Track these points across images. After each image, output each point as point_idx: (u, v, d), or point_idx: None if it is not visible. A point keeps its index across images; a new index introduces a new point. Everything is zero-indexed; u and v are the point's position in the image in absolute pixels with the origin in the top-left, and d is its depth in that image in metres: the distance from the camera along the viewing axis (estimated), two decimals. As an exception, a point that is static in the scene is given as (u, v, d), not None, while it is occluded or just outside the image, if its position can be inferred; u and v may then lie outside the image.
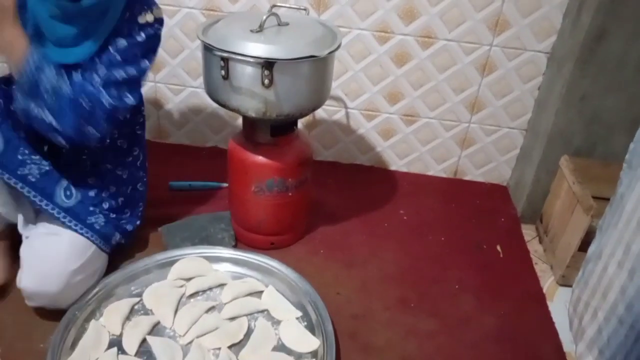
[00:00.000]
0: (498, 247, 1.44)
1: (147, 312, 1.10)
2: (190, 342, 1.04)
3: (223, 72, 1.09)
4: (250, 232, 1.34)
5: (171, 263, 1.20)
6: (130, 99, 1.05)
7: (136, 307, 1.11)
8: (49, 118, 0.96)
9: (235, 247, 1.30)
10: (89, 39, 1.02)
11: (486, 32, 1.46)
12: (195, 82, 1.64)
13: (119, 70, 1.03)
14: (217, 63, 1.09)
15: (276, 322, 1.10)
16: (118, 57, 1.03)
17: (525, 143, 1.61)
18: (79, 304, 1.06)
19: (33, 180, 1.01)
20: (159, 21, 1.08)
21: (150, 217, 1.35)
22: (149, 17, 1.05)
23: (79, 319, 1.05)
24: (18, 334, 1.05)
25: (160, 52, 1.58)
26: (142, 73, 1.07)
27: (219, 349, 1.03)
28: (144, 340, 1.04)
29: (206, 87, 1.20)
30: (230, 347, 1.04)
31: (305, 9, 1.28)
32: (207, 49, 1.11)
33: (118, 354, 1.01)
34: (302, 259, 1.32)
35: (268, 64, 1.06)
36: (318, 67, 1.14)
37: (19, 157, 0.99)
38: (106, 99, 1.01)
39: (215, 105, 1.22)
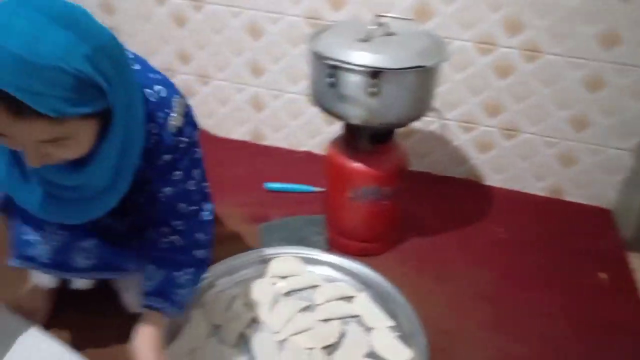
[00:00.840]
0: (601, 275, 1.36)
1: (245, 305, 1.14)
2: (285, 340, 1.07)
3: (331, 80, 1.12)
4: (342, 237, 1.36)
5: (268, 260, 1.24)
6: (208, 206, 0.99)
7: (236, 300, 1.16)
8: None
9: (328, 250, 1.32)
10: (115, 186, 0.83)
11: (596, 47, 1.39)
12: (294, 87, 1.68)
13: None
14: (325, 71, 1.12)
15: (368, 329, 1.11)
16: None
17: (635, 165, 1.51)
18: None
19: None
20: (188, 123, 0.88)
21: (246, 215, 1.43)
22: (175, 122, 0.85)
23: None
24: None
25: (263, 57, 1.66)
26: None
27: (312, 349, 1.05)
28: (241, 333, 1.08)
29: (312, 93, 1.23)
30: (324, 348, 1.06)
31: (410, 19, 1.28)
32: (316, 57, 1.15)
33: (218, 344, 1.06)
34: (393, 268, 1.31)
35: (375, 73, 1.08)
36: (424, 77, 1.15)
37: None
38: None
39: (311, 111, 1.26)
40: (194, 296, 1.02)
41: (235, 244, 1.36)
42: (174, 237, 0.96)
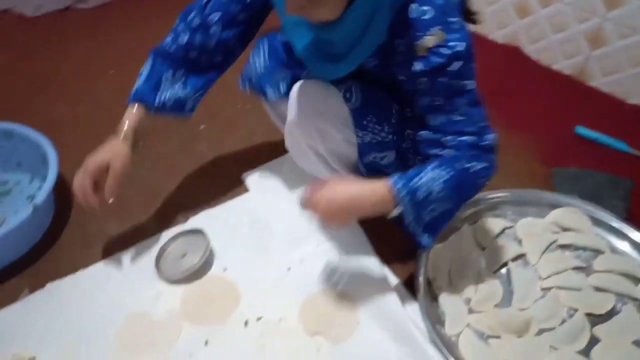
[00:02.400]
0: None
1: (515, 239, 1.12)
2: (548, 289, 1.03)
3: None
4: (649, 213, 1.18)
5: (552, 206, 1.17)
6: None
7: (507, 230, 1.14)
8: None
9: (626, 220, 1.17)
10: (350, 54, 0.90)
11: None
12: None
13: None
14: None
15: (646, 318, 0.98)
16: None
17: None
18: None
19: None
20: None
21: (540, 154, 1.36)
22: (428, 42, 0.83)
23: (457, 219, 1.14)
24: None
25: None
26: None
27: (576, 310, 0.99)
28: (504, 264, 1.08)
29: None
30: (587, 315, 0.98)
31: None
32: None
33: (476, 262, 1.08)
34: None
35: None
36: None
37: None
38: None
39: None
40: (440, 227, 0.94)
41: (522, 179, 1.31)
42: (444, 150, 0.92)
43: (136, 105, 1.03)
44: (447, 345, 0.93)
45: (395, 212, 0.88)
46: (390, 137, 1.01)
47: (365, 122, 1.00)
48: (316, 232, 1.16)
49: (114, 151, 1.01)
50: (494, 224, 1.15)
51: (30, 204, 1.09)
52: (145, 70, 1.06)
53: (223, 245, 1.15)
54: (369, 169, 1.08)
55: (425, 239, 0.93)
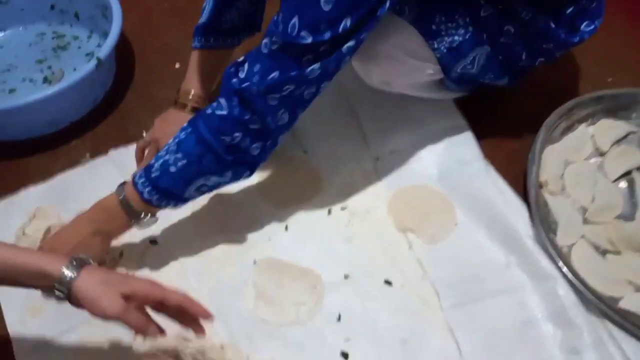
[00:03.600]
0: None
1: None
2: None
3: None
4: None
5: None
6: None
7: (631, 135, 0.98)
8: None
9: None
10: None
11: None
12: None
13: None
14: None
15: None
16: None
17: None
18: (582, 101, 1.00)
19: None
20: None
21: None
22: None
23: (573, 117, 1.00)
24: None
25: None
26: None
27: None
28: (627, 173, 0.94)
29: None
30: None
31: None
32: None
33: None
34: None
35: None
36: None
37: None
38: None
39: None
40: None
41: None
42: None
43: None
44: (560, 256, 0.83)
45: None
46: (470, 32, 0.82)
47: (434, 27, 0.80)
48: (410, 118, 1.02)
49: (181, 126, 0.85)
50: (616, 126, 0.99)
51: (89, 62, 0.97)
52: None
53: (302, 125, 1.02)
54: (462, 83, 0.92)
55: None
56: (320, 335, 0.80)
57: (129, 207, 0.76)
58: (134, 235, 0.89)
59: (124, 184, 0.79)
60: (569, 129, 0.99)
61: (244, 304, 0.83)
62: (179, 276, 0.86)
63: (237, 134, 0.72)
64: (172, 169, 0.74)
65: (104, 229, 0.79)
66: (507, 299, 0.81)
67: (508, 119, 1.03)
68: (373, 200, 0.94)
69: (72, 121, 1.04)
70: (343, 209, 0.93)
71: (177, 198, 0.77)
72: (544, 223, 0.86)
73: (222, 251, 0.89)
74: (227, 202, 0.94)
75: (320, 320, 0.81)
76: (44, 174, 0.97)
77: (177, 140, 0.74)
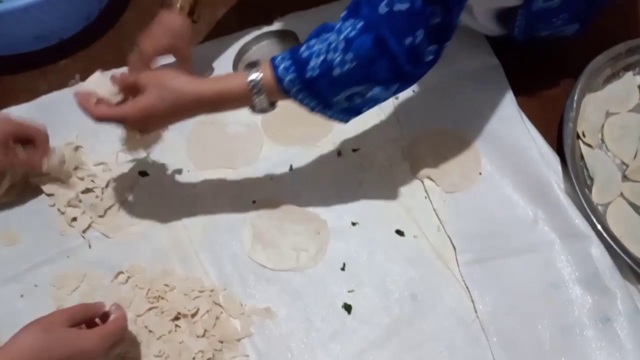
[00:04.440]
0: None
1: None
2: None
3: None
4: None
5: None
6: None
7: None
8: None
9: None
10: None
11: None
12: None
13: None
14: None
15: None
16: None
17: None
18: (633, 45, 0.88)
19: None
20: None
21: None
22: None
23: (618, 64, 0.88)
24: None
25: None
26: None
27: None
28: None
29: None
30: None
31: None
32: None
33: None
34: None
35: None
36: None
37: None
38: None
39: None
40: None
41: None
42: None
43: None
44: (595, 214, 0.74)
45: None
46: None
47: None
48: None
49: (173, 31, 0.79)
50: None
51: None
52: None
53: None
54: (532, 23, 0.80)
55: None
56: (321, 284, 0.73)
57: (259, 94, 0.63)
58: (123, 165, 0.82)
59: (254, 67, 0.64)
60: (614, 76, 0.89)
61: (239, 246, 0.75)
62: (169, 213, 0.78)
63: (418, 32, 0.58)
64: (337, 71, 0.60)
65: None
66: (532, 258, 0.73)
67: (545, 61, 0.92)
68: (389, 143, 0.84)
69: (62, 38, 0.94)
70: (355, 150, 0.84)
71: (324, 103, 0.64)
72: (579, 177, 0.77)
73: (218, 187, 0.80)
74: (227, 135, 0.85)
75: (323, 268, 0.74)
76: (29, 94, 0.88)
77: (343, 36, 0.59)
